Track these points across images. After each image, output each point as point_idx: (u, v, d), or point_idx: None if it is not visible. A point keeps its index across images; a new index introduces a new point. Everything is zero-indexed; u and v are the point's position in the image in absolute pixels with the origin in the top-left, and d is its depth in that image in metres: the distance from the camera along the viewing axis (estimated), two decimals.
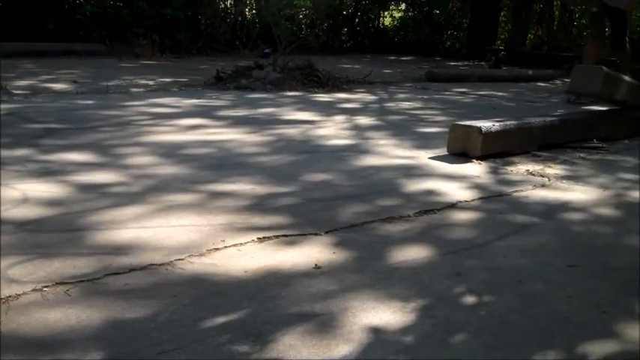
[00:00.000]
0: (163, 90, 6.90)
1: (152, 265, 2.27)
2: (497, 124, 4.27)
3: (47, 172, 3.35)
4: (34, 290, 2.02)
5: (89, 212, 2.78)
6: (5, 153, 3.67)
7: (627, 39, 7.40)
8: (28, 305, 1.93)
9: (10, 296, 1.97)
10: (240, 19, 13.05)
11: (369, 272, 2.31)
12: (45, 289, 2.03)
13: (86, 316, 1.88)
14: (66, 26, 10.52)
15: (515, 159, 4.23)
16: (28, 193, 2.97)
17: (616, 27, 7.18)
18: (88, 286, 2.08)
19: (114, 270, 2.20)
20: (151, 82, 7.39)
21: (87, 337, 1.78)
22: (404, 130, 5.13)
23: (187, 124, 4.96)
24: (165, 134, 4.50)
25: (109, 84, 6.74)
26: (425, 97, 7.51)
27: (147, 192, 3.13)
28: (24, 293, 1.99)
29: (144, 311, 1.94)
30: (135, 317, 1.90)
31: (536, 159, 4.28)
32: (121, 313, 1.92)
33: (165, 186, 3.22)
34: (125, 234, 2.55)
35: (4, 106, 5.25)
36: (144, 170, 3.52)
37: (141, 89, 6.84)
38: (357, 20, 15.76)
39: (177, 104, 5.92)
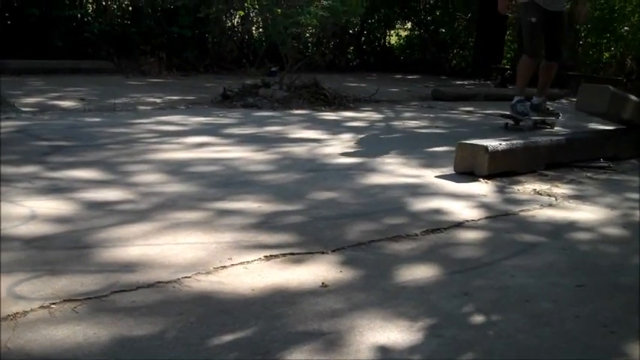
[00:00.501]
0: (170, 108, 6.93)
1: (159, 282, 2.27)
2: (503, 143, 4.27)
3: (55, 189, 3.36)
4: (42, 307, 2.02)
5: (96, 229, 2.79)
6: (13, 170, 3.69)
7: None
8: (35, 322, 1.93)
9: (17, 313, 1.97)
10: (246, 37, 13.12)
11: (376, 291, 2.30)
12: (52, 306, 2.04)
13: (93, 333, 1.88)
14: (74, 44, 10.58)
15: (522, 178, 4.23)
16: (36, 210, 2.98)
17: (555, 34, 6.26)
18: (96, 304, 2.08)
19: (121, 287, 2.20)
20: (158, 100, 7.42)
21: (94, 354, 1.78)
22: (410, 148, 5.13)
23: (194, 141, 4.97)
24: (172, 152, 4.51)
25: (116, 102, 6.77)
26: (431, 115, 7.53)
27: (154, 209, 3.13)
28: (31, 310, 2.00)
29: (151, 329, 1.94)
30: (142, 335, 1.90)
31: (543, 178, 4.28)
32: (129, 330, 1.92)
33: (172, 203, 3.23)
34: (132, 251, 2.55)
35: (12, 123, 5.27)
36: (151, 188, 3.53)
37: (148, 107, 6.87)
38: (363, 39, 15.82)
39: (184, 122, 5.94)
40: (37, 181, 3.50)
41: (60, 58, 9.90)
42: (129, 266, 2.39)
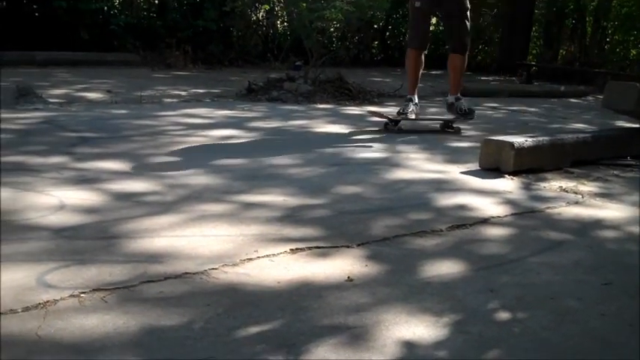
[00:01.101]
0: (196, 101, 6.96)
1: (186, 273, 2.29)
2: (529, 139, 4.25)
3: (82, 180, 3.40)
4: (72, 296, 2.05)
5: (124, 220, 2.82)
6: (41, 160, 3.73)
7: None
8: (65, 311, 1.96)
9: (47, 301, 2.00)
10: (271, 31, 13.14)
11: (401, 286, 2.31)
12: (82, 295, 2.06)
13: (122, 323, 1.91)
14: (100, 36, 10.65)
15: (548, 175, 4.20)
16: (64, 200, 3.01)
17: (451, 22, 5.53)
18: (124, 293, 2.10)
19: (149, 278, 2.23)
20: (183, 93, 7.46)
21: (123, 343, 1.80)
22: (435, 144, 5.12)
23: (219, 135, 4.99)
24: (197, 144, 4.53)
25: (142, 94, 6.82)
26: None
27: (180, 201, 3.16)
28: (61, 299, 2.02)
29: (179, 319, 1.96)
30: (170, 325, 1.92)
31: (569, 176, 4.25)
32: (157, 320, 1.95)
33: (198, 196, 3.25)
34: (159, 242, 2.58)
35: (39, 114, 5.33)
36: (177, 180, 3.55)
37: (174, 100, 6.90)
38: (387, 34, 15.77)
39: (209, 115, 5.97)
40: (65, 172, 3.54)
41: (86, 50, 9.97)
42: (156, 257, 2.42)
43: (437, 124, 5.92)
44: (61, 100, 6.14)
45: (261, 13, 13.04)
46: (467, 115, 5.72)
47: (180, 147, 4.42)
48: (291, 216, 3.02)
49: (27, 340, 1.78)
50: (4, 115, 5.02)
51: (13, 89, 5.72)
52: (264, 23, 13.13)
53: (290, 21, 12.38)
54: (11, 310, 1.93)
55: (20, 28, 9.80)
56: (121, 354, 1.75)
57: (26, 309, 1.94)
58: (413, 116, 5.58)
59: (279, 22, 13.31)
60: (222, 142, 4.72)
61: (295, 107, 6.93)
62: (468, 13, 5.51)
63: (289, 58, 10.48)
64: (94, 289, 2.10)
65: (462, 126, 5.84)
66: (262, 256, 2.48)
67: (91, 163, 3.75)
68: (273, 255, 2.50)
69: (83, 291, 2.09)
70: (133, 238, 2.60)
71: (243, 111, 6.41)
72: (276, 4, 12.49)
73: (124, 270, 2.28)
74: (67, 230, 2.64)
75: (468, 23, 5.50)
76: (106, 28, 10.84)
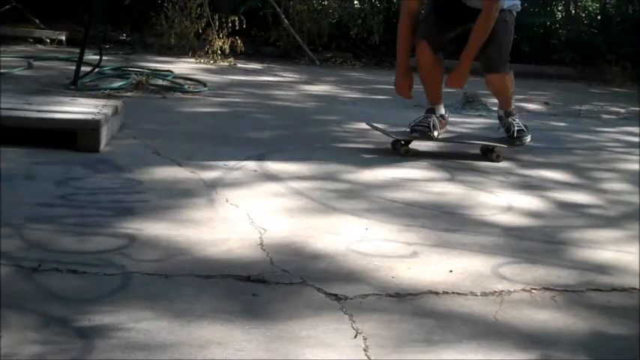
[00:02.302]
0: (634, 119, 6.69)
1: (633, 288, 2.29)
2: None
3: (527, 186, 3.55)
4: (523, 290, 2.21)
5: (568, 228, 2.91)
6: (488, 164, 3.96)
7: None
8: (518, 302, 2.12)
9: (502, 291, 2.18)
10: None
11: None
12: (533, 290, 2.21)
13: (572, 323, 2.01)
14: (540, 50, 10.81)
15: None
16: (511, 203, 3.20)
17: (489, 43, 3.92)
18: (572, 297, 2.20)
19: (596, 286, 2.29)
20: (622, 110, 7.22)
21: (572, 342, 1.90)
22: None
23: None
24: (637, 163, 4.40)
25: (580, 108, 6.78)
26: None
27: (623, 218, 3.14)
28: (514, 291, 2.19)
29: (625, 330, 1.99)
30: (617, 334, 1.97)
31: None
32: (603, 327, 2.00)
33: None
34: (604, 254, 2.61)
35: (482, 120, 5.65)
36: (619, 196, 3.52)
37: (612, 116, 6.74)
38: None
39: None
40: (510, 177, 3.73)
41: (525, 62, 10.20)
42: (602, 268, 2.46)
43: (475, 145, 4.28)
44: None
45: None
46: (514, 138, 4.16)
47: (621, 164, 4.33)
48: None
49: (486, 320, 1.98)
50: (452, 119, 5.43)
51: (461, 96, 6.12)
52: None
53: None
54: (471, 292, 2.16)
55: None
56: (573, 352, 1.84)
57: (484, 294, 2.15)
58: (436, 133, 4.05)
59: None
60: None
61: None
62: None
63: None
64: (544, 288, 2.23)
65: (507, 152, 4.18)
66: None
67: (534, 171, 3.89)
68: None
69: (534, 287, 2.23)
70: (579, 247, 2.67)
71: None
72: None
73: (571, 275, 2.37)
74: (515, 230, 2.82)
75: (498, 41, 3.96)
76: (545, 42, 10.96)
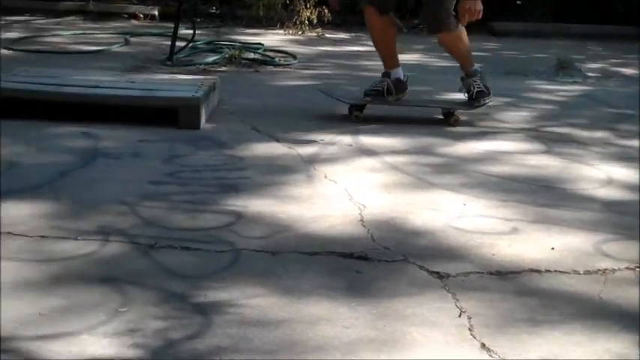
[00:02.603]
0: None
1: None
2: None
3: (627, 157, 3.47)
4: (627, 269, 2.20)
5: None
6: (586, 134, 3.90)
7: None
8: (623, 280, 2.13)
9: (606, 269, 2.18)
10: None
11: None
12: (637, 269, 2.19)
13: None
14: (637, 9, 10.39)
15: None
16: (611, 175, 3.15)
17: None
18: None
19: None
20: None
21: None
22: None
23: None
24: None
25: None
26: None
27: None
28: (618, 269, 2.19)
29: None
30: None
31: None
32: None
33: None
34: None
35: (578, 87, 5.52)
36: None
37: None
38: None
39: None
40: (608, 147, 3.66)
41: (621, 24, 9.84)
42: None
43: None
44: (597, 75, 6.23)
45: None
46: (473, 99, 3.91)
47: None
48: None
49: (590, 300, 2.00)
50: (545, 87, 5.33)
51: (554, 61, 5.99)
52: None
53: None
54: (574, 270, 2.17)
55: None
56: None
57: (587, 272, 2.16)
58: (390, 98, 3.95)
59: None
60: None
61: None
62: None
63: None
64: None
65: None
66: None
67: (633, 141, 3.79)
68: None
69: (638, 266, 2.21)
70: None
71: None
72: None
73: None
74: (616, 204, 2.79)
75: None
76: None
